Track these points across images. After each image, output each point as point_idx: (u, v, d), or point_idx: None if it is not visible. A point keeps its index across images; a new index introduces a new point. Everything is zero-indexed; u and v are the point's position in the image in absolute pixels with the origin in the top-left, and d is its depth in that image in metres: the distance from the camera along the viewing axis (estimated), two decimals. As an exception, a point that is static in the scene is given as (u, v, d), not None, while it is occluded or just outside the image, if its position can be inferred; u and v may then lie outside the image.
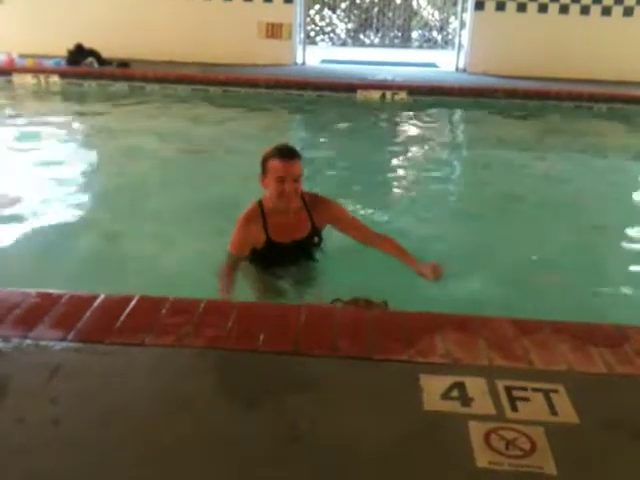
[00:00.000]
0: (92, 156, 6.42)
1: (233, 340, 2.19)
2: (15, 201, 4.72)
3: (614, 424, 1.83)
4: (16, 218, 4.37)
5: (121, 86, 9.62)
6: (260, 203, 3.10)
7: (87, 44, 10.31)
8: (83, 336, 2.17)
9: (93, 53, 10.31)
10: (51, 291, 2.49)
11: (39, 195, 4.86)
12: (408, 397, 1.91)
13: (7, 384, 1.91)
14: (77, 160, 6.19)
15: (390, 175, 6.00)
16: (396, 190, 5.51)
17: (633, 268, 3.96)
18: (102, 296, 2.45)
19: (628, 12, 10.74)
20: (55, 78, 9.72)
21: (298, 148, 3.18)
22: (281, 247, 3.08)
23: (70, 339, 2.15)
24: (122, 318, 2.29)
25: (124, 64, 10.26)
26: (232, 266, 3.14)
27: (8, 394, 1.87)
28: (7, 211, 4.53)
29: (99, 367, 2.03)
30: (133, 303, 2.39)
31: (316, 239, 3.17)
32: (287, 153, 2.99)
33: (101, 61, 10.30)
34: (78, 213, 4.53)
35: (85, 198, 4.91)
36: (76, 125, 7.86)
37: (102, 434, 1.73)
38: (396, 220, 4.77)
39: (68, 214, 4.49)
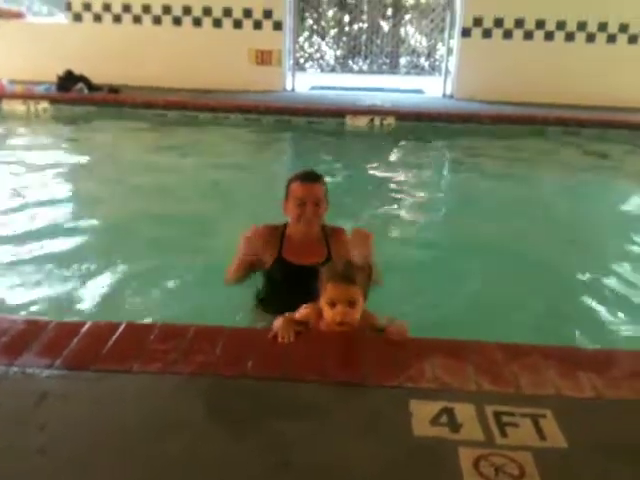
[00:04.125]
0: (82, 182, 6.42)
1: (222, 366, 2.18)
2: (3, 228, 4.70)
3: (602, 448, 1.83)
4: (5, 246, 4.34)
5: (111, 112, 9.64)
6: (285, 224, 3.11)
7: (77, 70, 10.35)
8: (70, 363, 2.16)
9: (83, 79, 10.34)
10: (38, 318, 2.47)
11: (28, 223, 4.83)
12: (398, 423, 1.90)
13: (-7, 412, 1.90)
14: (66, 186, 6.20)
15: (377, 201, 6.01)
16: (383, 216, 5.52)
17: (622, 293, 3.98)
18: (89, 323, 2.44)
19: (611, 39, 10.93)
20: (45, 104, 9.73)
21: (287, 174, 3.19)
22: (290, 268, 3.03)
23: (57, 366, 2.14)
24: (109, 345, 2.28)
25: (114, 90, 10.30)
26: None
27: (-6, 422, 1.85)
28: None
29: (86, 394, 2.02)
30: (120, 330, 2.38)
31: None
32: (308, 176, 3.03)
33: (91, 87, 10.33)
34: (69, 240, 4.50)
35: (75, 224, 4.89)
36: (66, 151, 7.86)
37: (90, 461, 1.71)
38: (381, 246, 4.78)
39: (58, 242, 4.46)
